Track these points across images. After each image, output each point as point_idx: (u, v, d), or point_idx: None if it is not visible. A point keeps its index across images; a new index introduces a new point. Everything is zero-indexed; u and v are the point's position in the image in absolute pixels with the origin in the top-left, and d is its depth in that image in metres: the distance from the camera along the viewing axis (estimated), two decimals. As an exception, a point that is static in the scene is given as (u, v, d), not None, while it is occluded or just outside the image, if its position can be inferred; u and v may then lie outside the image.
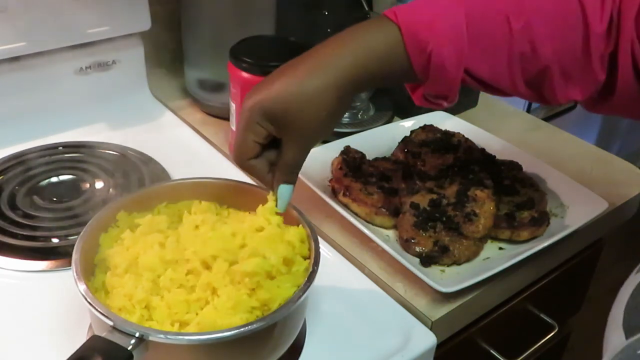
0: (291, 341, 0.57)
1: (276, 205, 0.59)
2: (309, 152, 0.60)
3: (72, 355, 0.47)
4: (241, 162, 0.59)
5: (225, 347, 0.51)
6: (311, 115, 0.56)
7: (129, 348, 0.48)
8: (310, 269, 0.55)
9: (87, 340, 0.49)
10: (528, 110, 1.66)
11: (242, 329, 0.50)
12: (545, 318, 0.85)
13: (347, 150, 0.82)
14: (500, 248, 0.72)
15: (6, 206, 0.74)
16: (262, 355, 0.54)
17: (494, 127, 0.91)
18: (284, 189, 0.59)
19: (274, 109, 0.55)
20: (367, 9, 0.95)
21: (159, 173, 0.81)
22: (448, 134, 0.86)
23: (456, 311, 0.66)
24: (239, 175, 0.81)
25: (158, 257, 0.55)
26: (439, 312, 0.65)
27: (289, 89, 0.55)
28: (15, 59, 0.83)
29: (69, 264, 0.54)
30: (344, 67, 0.56)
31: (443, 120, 0.90)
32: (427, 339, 0.62)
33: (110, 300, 0.53)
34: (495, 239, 0.73)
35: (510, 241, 0.73)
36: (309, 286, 0.53)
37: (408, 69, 0.58)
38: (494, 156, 0.83)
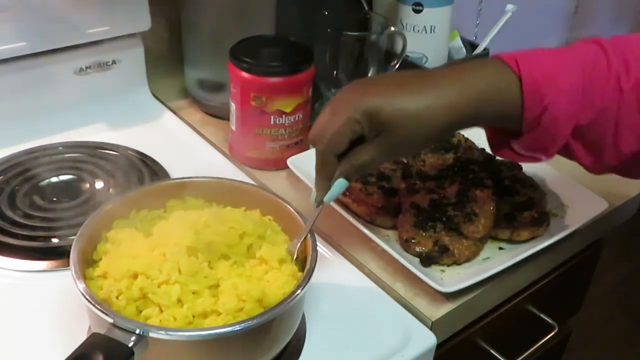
0: (290, 336, 0.57)
1: (322, 198, 0.59)
2: (386, 161, 0.58)
3: (72, 353, 0.47)
4: (328, 154, 0.58)
5: (225, 342, 0.51)
6: (411, 131, 0.56)
7: (129, 345, 0.48)
8: (308, 266, 0.55)
9: (88, 338, 0.49)
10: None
11: (241, 325, 0.50)
12: (545, 318, 0.85)
13: (347, 150, 0.82)
14: (500, 248, 0.72)
15: (6, 206, 0.74)
16: (261, 350, 0.55)
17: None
18: (342, 184, 0.59)
19: (380, 113, 0.55)
20: (367, 8, 0.95)
21: (159, 173, 0.81)
22: (448, 134, 0.86)
23: (456, 311, 0.66)
24: (238, 174, 0.81)
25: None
26: (439, 312, 0.65)
27: (399, 100, 0.56)
28: (15, 59, 0.83)
29: (69, 264, 0.54)
30: (457, 99, 0.56)
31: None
32: (427, 339, 0.62)
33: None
34: (495, 239, 0.73)
35: (510, 241, 0.73)
36: (307, 282, 0.54)
37: (516, 118, 0.57)
38: (494, 156, 0.82)
